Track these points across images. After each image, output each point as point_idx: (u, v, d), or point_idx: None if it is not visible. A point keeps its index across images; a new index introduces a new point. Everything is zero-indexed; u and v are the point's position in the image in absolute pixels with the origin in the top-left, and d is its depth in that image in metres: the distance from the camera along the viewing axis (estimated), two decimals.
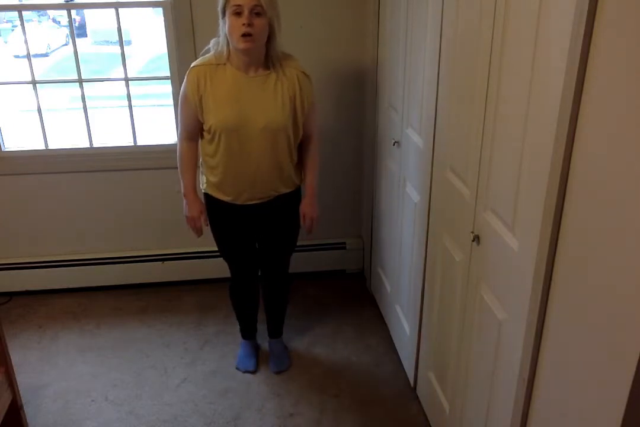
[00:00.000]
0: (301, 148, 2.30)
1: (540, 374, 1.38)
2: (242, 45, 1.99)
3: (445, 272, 1.98)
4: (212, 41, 2.13)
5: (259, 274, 2.53)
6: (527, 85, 1.31)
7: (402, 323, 2.52)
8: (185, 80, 2.13)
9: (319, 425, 2.31)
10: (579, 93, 1.12)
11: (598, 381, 1.13)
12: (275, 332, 2.68)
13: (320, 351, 2.72)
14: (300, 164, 2.33)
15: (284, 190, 2.29)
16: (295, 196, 2.35)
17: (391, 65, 2.45)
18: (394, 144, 2.43)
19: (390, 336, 2.77)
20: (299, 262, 3.23)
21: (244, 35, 1.97)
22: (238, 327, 2.68)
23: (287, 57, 2.15)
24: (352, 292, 3.18)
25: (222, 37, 2.08)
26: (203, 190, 2.31)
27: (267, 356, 2.66)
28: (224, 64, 2.09)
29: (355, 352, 2.71)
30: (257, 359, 2.63)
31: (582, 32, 1.07)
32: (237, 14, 1.96)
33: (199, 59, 2.15)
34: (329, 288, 3.21)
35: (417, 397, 2.40)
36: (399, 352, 2.64)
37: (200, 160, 2.28)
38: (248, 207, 2.26)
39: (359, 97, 2.94)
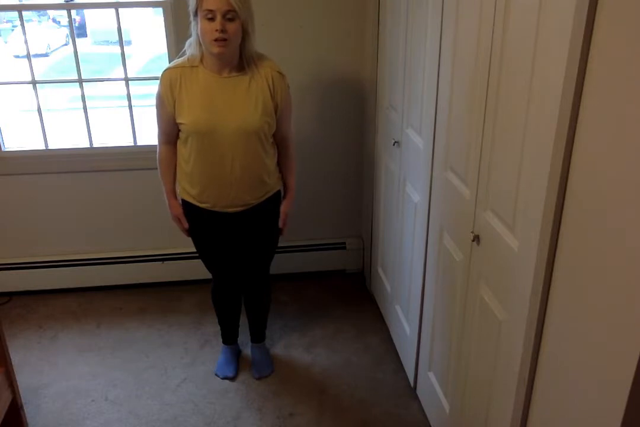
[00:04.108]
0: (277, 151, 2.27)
1: (540, 374, 1.38)
2: (216, 50, 1.96)
3: (445, 272, 1.98)
4: (187, 42, 2.09)
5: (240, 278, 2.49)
6: (527, 85, 1.31)
7: (402, 323, 2.52)
8: (159, 83, 2.09)
9: (319, 425, 2.31)
10: (579, 93, 1.12)
11: (598, 381, 1.13)
12: (257, 337, 2.65)
13: (320, 351, 2.72)
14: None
15: (271, 190, 2.25)
16: (275, 200, 2.31)
17: (391, 64, 2.45)
18: (394, 144, 2.43)
19: (390, 336, 2.77)
20: (299, 262, 3.24)
21: (217, 39, 1.93)
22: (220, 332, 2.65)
23: (262, 57, 2.11)
24: (352, 292, 3.18)
25: (194, 37, 2.04)
26: (180, 197, 2.27)
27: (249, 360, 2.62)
28: (197, 66, 2.06)
29: (355, 352, 2.71)
30: (237, 365, 2.61)
31: (582, 32, 1.08)
32: (210, 19, 1.92)
33: (173, 61, 2.13)
34: (329, 288, 3.21)
35: (417, 397, 2.40)
36: (399, 352, 2.64)
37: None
38: (227, 214, 2.22)
39: (358, 97, 2.94)
